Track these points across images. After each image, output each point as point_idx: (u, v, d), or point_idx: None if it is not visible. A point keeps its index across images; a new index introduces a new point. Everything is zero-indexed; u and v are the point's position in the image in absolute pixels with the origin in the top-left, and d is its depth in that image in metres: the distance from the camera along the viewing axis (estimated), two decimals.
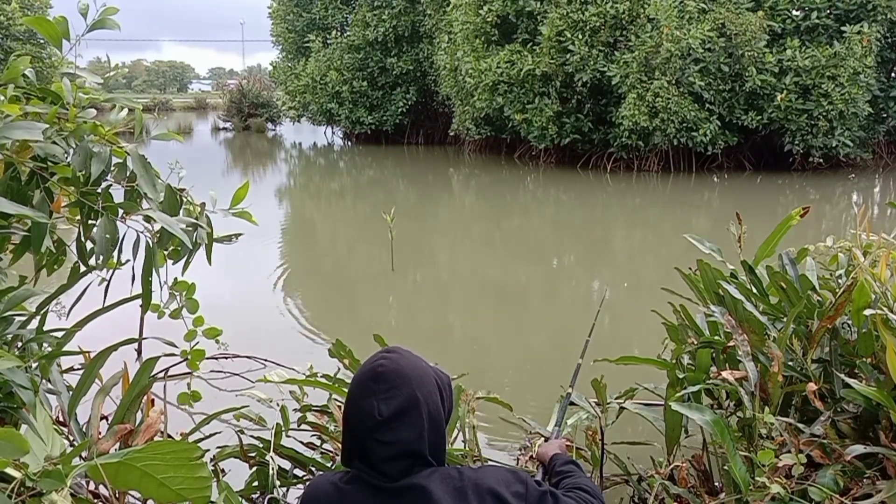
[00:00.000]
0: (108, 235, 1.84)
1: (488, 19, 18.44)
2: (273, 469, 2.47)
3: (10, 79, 1.85)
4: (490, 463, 2.83)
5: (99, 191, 1.90)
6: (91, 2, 1.86)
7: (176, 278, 2.56)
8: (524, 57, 17.68)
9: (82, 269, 2.10)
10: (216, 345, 2.94)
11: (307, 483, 1.50)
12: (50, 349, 2.16)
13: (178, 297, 2.63)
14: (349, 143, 28.35)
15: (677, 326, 3.21)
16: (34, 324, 2.10)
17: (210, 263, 2.14)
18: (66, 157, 1.87)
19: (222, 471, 2.57)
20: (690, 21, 15.68)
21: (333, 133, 30.31)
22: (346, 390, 2.68)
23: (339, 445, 2.65)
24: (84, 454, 2.01)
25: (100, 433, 2.21)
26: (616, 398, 2.94)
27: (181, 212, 2.04)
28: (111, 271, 2.19)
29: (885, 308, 2.53)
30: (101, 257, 1.91)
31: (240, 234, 2.34)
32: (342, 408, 1.49)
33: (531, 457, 2.96)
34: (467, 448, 2.80)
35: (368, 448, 1.40)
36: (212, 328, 2.79)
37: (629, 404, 2.90)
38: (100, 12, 1.86)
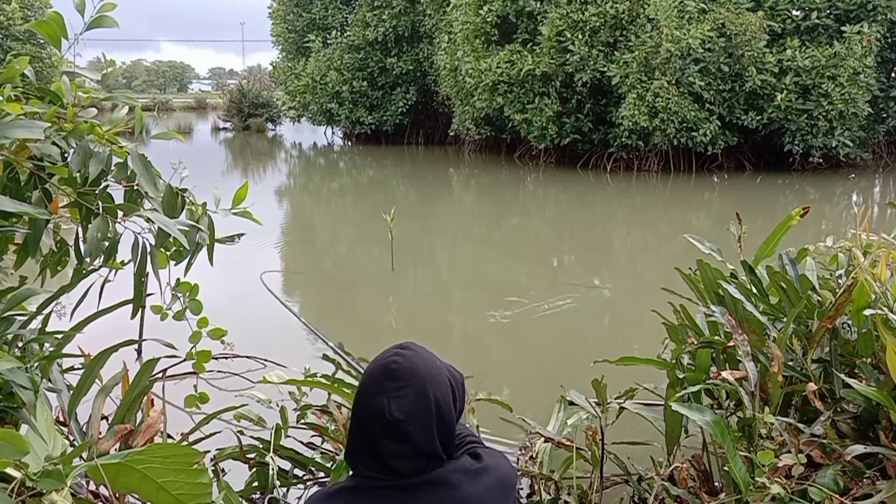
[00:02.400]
0: (100, 235, 1.83)
1: (488, 19, 18.44)
2: (273, 469, 2.48)
3: (8, 78, 1.85)
4: None
5: (97, 191, 1.90)
6: (88, 0, 1.86)
7: (178, 279, 2.56)
8: (524, 57, 17.68)
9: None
10: (220, 344, 2.94)
11: None
12: (51, 349, 2.17)
13: (181, 298, 2.62)
14: (349, 143, 28.35)
15: (677, 326, 3.21)
16: (35, 324, 2.10)
17: (212, 264, 2.14)
18: (66, 157, 1.87)
19: (222, 471, 2.57)
20: (690, 21, 15.68)
21: (333, 133, 30.31)
22: (345, 390, 2.70)
23: (339, 446, 2.65)
24: (84, 454, 2.00)
25: (100, 433, 2.21)
26: (616, 398, 2.94)
27: (184, 212, 2.04)
28: (114, 272, 2.19)
29: (885, 308, 2.53)
30: (97, 257, 1.90)
31: (242, 235, 2.34)
32: (354, 399, 1.46)
33: (531, 457, 2.96)
34: None
35: (379, 445, 1.37)
36: (216, 329, 2.78)
37: (629, 404, 2.90)
38: (97, 9, 1.86)
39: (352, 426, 1.44)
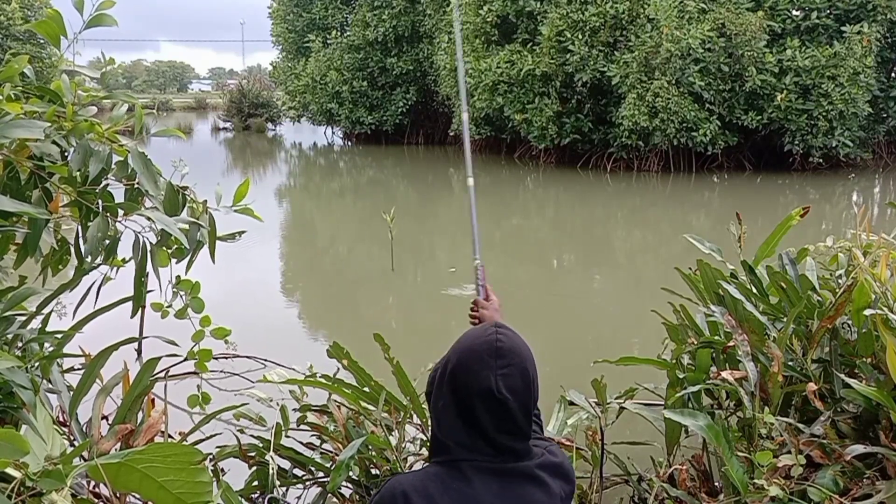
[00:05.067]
0: (100, 234, 1.83)
1: (488, 19, 18.44)
2: (273, 469, 2.47)
3: (7, 78, 1.85)
4: None
5: (98, 190, 1.89)
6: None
7: (178, 277, 2.56)
8: (524, 57, 17.68)
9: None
10: (223, 344, 2.93)
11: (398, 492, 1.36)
12: (51, 349, 2.16)
13: (182, 296, 2.62)
14: (349, 143, 28.35)
15: (677, 326, 3.21)
16: (35, 323, 2.10)
17: (214, 261, 2.14)
18: (66, 156, 1.87)
19: (222, 470, 2.57)
20: (690, 21, 15.68)
21: (333, 133, 30.33)
22: (345, 390, 2.69)
23: (339, 446, 2.65)
24: (85, 454, 2.00)
25: (101, 433, 2.21)
26: (616, 398, 2.94)
27: (185, 210, 2.03)
28: (115, 270, 2.19)
29: (885, 308, 2.53)
30: (97, 257, 1.90)
31: (243, 232, 2.33)
32: (443, 376, 1.43)
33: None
34: None
35: (482, 421, 1.37)
36: (220, 328, 2.77)
37: (629, 404, 2.90)
38: (96, 7, 1.86)
39: (443, 404, 1.43)
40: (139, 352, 4.46)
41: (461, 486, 1.36)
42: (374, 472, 2.65)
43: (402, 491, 1.35)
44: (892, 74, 17.94)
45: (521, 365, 1.40)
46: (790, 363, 2.77)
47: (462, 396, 1.39)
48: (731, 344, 2.73)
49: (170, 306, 2.65)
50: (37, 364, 2.03)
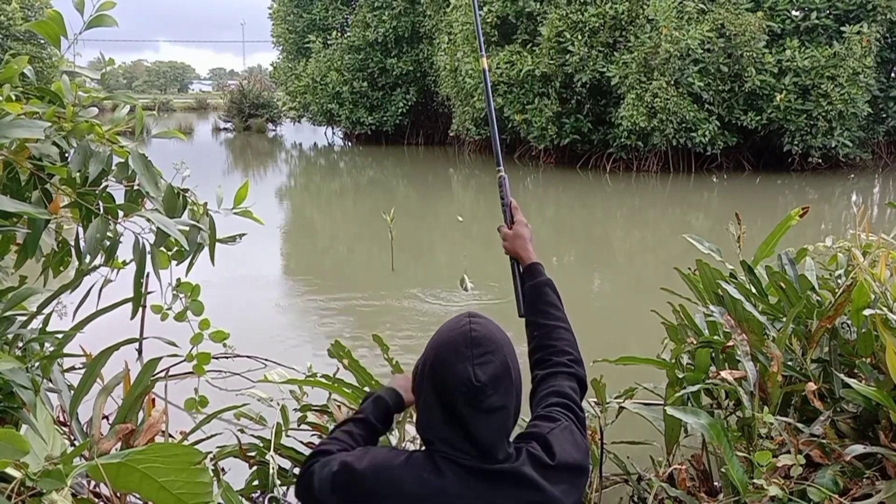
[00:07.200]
0: (99, 236, 1.83)
1: (488, 20, 18.44)
2: (273, 468, 2.48)
3: (7, 79, 1.85)
4: None
5: (98, 191, 1.90)
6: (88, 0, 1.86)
7: (179, 279, 2.56)
8: (524, 57, 17.69)
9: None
10: (221, 345, 2.92)
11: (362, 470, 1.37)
12: (51, 349, 2.17)
13: (181, 299, 2.61)
14: (349, 143, 28.35)
15: (677, 326, 3.22)
16: (36, 323, 2.10)
17: (213, 264, 2.14)
18: (67, 157, 1.87)
19: (222, 470, 2.57)
20: (689, 21, 15.69)
21: (334, 133, 30.33)
22: (346, 390, 2.70)
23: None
24: (85, 454, 2.01)
25: (101, 433, 2.21)
26: (616, 398, 2.94)
27: (186, 212, 2.04)
28: (116, 271, 2.19)
29: (884, 308, 2.53)
30: (96, 258, 1.90)
31: (243, 235, 2.33)
32: (423, 373, 1.42)
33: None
34: None
35: (465, 416, 1.35)
36: (218, 331, 2.76)
37: (629, 404, 2.90)
38: (96, 8, 1.86)
39: (425, 400, 1.41)
40: (140, 352, 4.46)
41: (431, 476, 1.35)
42: None
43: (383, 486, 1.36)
44: (892, 74, 17.93)
45: (499, 352, 1.39)
46: (789, 363, 2.77)
47: (441, 391, 1.38)
48: (730, 344, 2.73)
49: (169, 309, 2.65)
50: (37, 364, 2.04)
